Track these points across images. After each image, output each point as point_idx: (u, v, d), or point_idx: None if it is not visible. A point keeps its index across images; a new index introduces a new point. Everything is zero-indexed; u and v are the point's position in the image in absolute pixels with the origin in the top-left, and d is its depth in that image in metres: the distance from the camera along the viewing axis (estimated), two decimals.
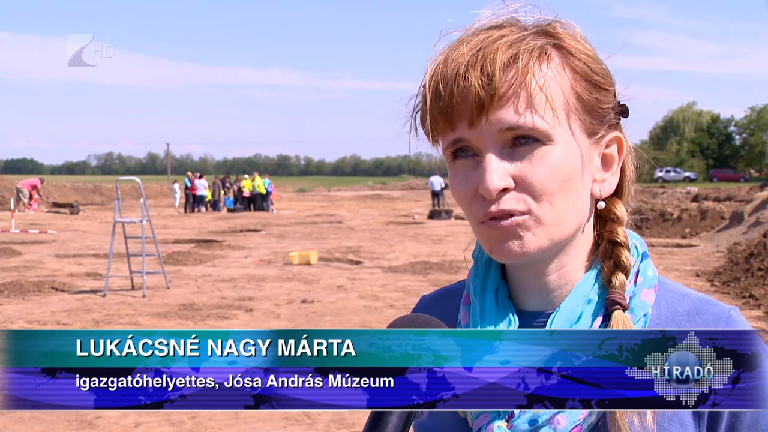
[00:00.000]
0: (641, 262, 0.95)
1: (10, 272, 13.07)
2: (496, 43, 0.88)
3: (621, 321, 0.87)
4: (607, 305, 0.90)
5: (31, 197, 33.04)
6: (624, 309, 0.89)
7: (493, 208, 0.88)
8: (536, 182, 0.87)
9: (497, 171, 0.87)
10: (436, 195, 33.66)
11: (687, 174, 66.83)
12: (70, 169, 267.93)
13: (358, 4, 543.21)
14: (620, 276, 0.91)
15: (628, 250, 0.93)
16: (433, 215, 29.52)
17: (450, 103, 0.88)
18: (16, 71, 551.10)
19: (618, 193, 0.98)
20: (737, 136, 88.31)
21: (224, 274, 13.15)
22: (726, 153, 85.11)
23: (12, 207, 25.63)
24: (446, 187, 32.79)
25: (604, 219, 0.97)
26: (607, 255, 0.94)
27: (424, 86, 0.92)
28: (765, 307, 9.78)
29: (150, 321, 9.11)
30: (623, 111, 0.96)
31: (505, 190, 0.88)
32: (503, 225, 0.89)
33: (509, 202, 0.88)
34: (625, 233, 0.95)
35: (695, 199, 26.29)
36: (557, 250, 0.93)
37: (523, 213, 0.88)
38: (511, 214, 0.88)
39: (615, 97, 0.95)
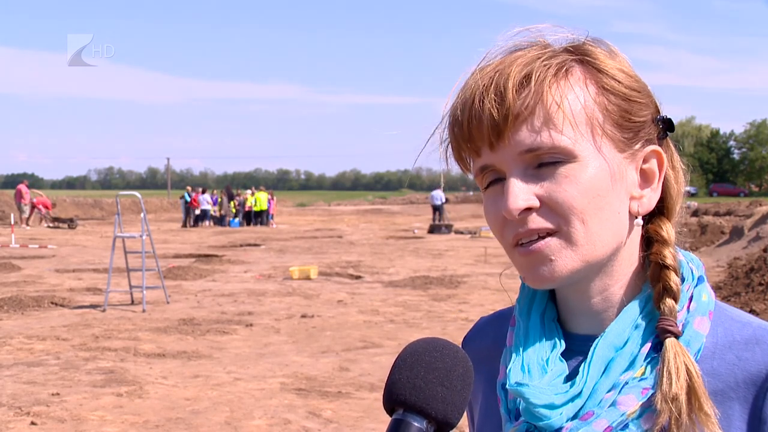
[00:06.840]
0: (696, 286, 0.90)
1: (10, 287, 13.04)
2: (512, 65, 0.86)
3: (673, 349, 0.83)
4: (659, 333, 0.85)
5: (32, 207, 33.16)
6: (676, 336, 0.85)
7: (521, 228, 0.86)
8: (563, 200, 0.84)
9: (520, 191, 0.85)
10: (437, 209, 33.55)
11: (687, 188, 66.77)
12: (70, 183, 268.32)
13: (357, 19, 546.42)
14: (669, 302, 0.86)
15: (677, 273, 0.88)
16: (434, 230, 29.52)
17: (470, 129, 0.87)
18: (16, 86, 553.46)
19: (665, 212, 0.94)
20: (737, 151, 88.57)
21: (224, 289, 13.14)
22: (726, 168, 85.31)
23: (12, 221, 25.58)
24: (447, 201, 32.55)
25: (651, 240, 0.92)
26: (655, 278, 0.89)
27: (446, 116, 0.91)
28: None
29: (149, 336, 9.08)
30: (665, 125, 0.93)
31: (529, 210, 0.85)
32: (532, 249, 0.86)
33: (536, 221, 0.85)
34: (674, 255, 0.90)
35: (695, 213, 26.28)
36: (598, 271, 0.90)
37: (551, 232, 0.85)
38: (538, 234, 0.85)
39: (655, 111, 0.92)
